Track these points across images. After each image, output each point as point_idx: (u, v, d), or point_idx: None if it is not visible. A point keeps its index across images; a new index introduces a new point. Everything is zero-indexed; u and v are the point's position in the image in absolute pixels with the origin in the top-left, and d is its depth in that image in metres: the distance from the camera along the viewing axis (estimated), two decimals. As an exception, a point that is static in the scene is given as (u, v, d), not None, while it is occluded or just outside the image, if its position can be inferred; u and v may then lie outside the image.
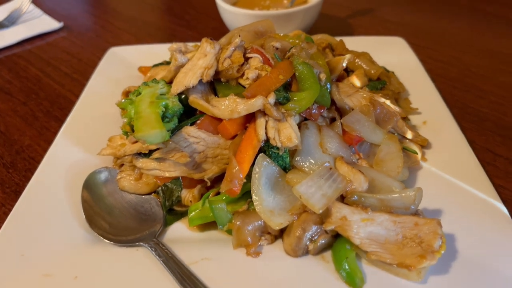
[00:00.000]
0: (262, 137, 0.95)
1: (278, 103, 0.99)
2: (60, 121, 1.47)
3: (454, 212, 0.96)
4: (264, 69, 1.03)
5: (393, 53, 1.54)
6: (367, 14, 2.18)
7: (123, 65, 1.57)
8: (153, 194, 1.06)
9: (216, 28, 2.08)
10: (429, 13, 2.18)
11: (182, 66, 1.11)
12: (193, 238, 0.97)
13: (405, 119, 1.20)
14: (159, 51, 1.60)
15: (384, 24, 2.07)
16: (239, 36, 1.09)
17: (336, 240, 0.91)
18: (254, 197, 0.91)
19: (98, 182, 1.07)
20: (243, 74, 1.05)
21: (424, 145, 1.14)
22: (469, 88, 1.54)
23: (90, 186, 1.05)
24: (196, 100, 1.04)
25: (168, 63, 1.41)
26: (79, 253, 0.91)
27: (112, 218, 1.00)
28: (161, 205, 1.03)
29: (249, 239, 0.91)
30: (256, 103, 0.95)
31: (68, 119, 1.29)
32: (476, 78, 1.61)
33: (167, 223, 1.01)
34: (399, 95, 1.30)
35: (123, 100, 1.07)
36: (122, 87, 1.43)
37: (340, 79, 1.23)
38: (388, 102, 1.13)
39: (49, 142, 1.37)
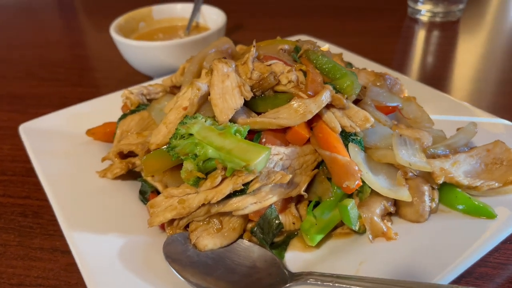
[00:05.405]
0: (339, 128, 0.95)
1: (331, 94, 0.99)
2: (18, 229, 1.11)
3: (478, 138, 1.13)
4: (297, 69, 1.02)
5: (313, 46, 1.68)
6: (250, 26, 2.31)
7: (57, 138, 1.27)
8: (244, 237, 0.92)
9: (106, 77, 1.87)
10: (299, 17, 2.42)
11: (207, 94, 0.99)
12: (320, 257, 0.89)
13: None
14: (83, 112, 1.38)
15: (270, 32, 2.20)
16: (253, 47, 1.04)
17: (440, 192, 0.97)
18: (369, 184, 0.90)
19: (181, 253, 0.87)
20: (278, 81, 1.01)
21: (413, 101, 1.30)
22: (378, 61, 1.81)
23: (178, 264, 0.84)
24: (248, 120, 0.95)
25: (133, 111, 1.22)
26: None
27: (226, 281, 0.83)
28: (258, 243, 0.91)
29: (382, 226, 0.89)
30: (325, 98, 0.93)
31: (59, 215, 0.98)
32: (377, 52, 1.91)
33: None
34: (357, 73, 1.45)
35: (167, 147, 0.89)
36: (78, 158, 1.20)
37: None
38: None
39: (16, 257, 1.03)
